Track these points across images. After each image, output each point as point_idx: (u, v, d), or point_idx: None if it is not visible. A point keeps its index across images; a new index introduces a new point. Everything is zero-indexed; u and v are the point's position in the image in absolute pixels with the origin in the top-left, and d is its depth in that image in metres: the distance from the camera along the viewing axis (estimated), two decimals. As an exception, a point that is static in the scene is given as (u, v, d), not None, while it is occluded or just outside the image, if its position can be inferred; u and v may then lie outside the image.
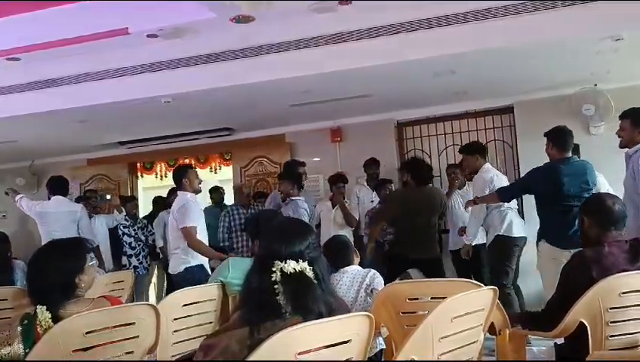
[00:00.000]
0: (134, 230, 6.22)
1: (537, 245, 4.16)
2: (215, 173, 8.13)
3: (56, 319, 1.99)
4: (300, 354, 1.45)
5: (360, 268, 3.15)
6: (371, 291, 2.95)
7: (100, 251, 5.04)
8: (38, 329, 1.98)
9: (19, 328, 1.98)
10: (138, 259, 6.16)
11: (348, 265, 3.10)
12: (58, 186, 5.21)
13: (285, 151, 7.14)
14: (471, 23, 4.17)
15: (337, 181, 5.68)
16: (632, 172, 3.72)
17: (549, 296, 3.99)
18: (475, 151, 4.93)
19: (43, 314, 1.99)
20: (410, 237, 4.62)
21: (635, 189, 3.65)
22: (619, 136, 3.88)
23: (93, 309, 2.08)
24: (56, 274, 2.06)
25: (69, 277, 2.08)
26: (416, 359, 1.78)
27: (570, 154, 4.09)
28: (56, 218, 5.00)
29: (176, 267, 4.29)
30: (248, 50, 4.68)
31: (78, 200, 6.13)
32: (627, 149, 3.83)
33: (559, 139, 4.09)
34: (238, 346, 1.47)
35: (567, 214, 3.89)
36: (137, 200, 6.78)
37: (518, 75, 5.30)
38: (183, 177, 4.43)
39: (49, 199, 5.25)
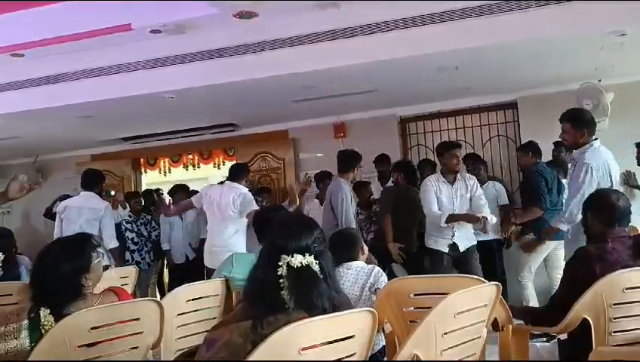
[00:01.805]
0: (137, 226, 6.23)
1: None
2: (219, 168, 8.15)
3: (61, 319, 1.98)
4: (303, 349, 1.46)
5: (364, 263, 3.07)
6: (375, 290, 2.88)
7: (117, 251, 5.06)
8: (42, 330, 1.97)
9: (25, 321, 1.98)
10: (140, 255, 6.18)
11: (352, 260, 3.02)
12: (86, 181, 5.03)
13: (288, 146, 7.15)
14: (476, 18, 4.16)
15: (324, 178, 5.68)
16: (571, 175, 3.65)
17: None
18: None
19: (46, 317, 1.97)
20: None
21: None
22: (563, 140, 3.78)
23: (101, 304, 2.09)
24: (62, 276, 2.03)
25: (76, 278, 2.05)
26: (418, 354, 1.78)
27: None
28: (79, 213, 4.89)
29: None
30: (251, 46, 4.68)
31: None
32: (575, 151, 3.66)
33: (536, 148, 4.87)
34: (241, 340, 1.47)
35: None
36: (141, 196, 6.77)
37: (522, 71, 5.28)
38: (246, 175, 4.90)
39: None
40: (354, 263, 3.02)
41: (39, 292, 2.03)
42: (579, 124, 3.57)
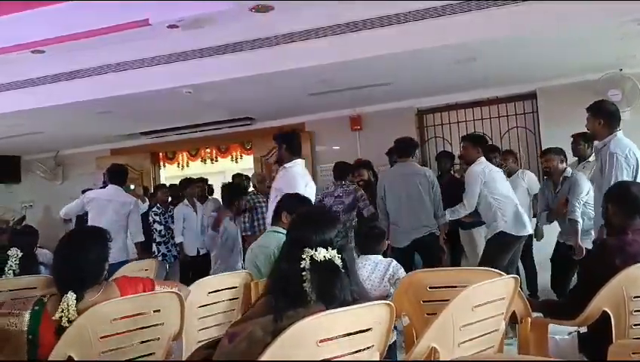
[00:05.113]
0: (165, 218, 6.19)
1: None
2: (236, 162, 8.21)
3: (79, 302, 2.01)
4: (321, 341, 1.48)
5: (382, 257, 3.28)
6: (395, 282, 3.07)
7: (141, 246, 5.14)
8: (60, 318, 1.97)
9: (29, 311, 1.98)
10: (167, 248, 6.14)
11: (374, 254, 3.26)
12: (115, 175, 5.12)
13: (305, 140, 7.10)
14: (494, 9, 4.11)
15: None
16: (600, 167, 3.65)
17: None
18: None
19: (68, 303, 1.98)
20: None
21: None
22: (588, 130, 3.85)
23: (105, 294, 2.10)
24: (91, 261, 2.09)
25: (101, 264, 2.13)
26: (436, 347, 1.79)
27: None
28: (108, 206, 4.92)
29: None
30: (268, 40, 4.69)
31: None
32: (596, 142, 3.78)
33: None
34: (262, 333, 1.50)
35: None
36: (167, 187, 6.76)
37: (541, 61, 5.21)
38: None
39: (104, 187, 5.26)
40: (372, 256, 3.25)
41: (67, 278, 2.05)
42: (597, 114, 3.65)
